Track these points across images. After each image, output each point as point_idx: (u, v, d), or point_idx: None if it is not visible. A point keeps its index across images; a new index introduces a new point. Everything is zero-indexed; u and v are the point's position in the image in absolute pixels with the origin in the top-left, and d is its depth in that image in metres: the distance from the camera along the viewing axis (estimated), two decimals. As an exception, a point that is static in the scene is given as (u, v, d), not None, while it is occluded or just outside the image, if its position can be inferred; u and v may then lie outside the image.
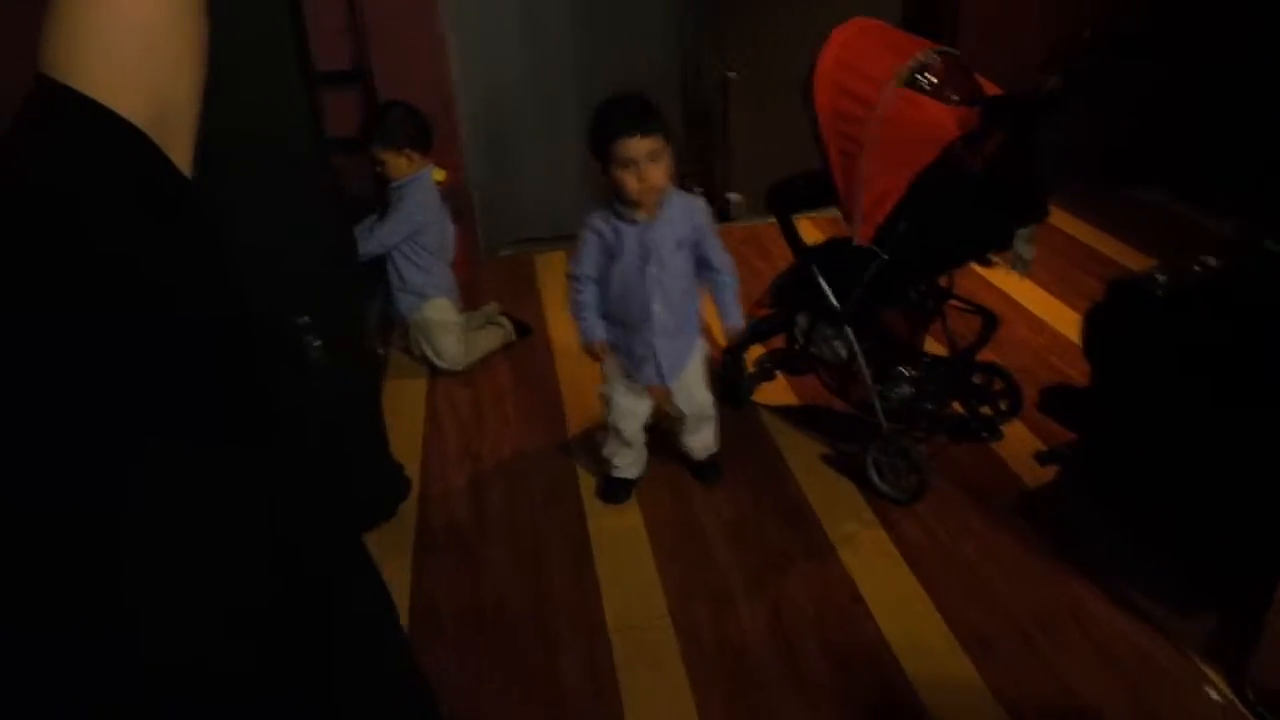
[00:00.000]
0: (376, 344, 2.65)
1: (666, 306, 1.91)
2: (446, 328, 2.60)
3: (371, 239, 2.50)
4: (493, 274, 3.26)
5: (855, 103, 1.78)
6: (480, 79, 3.21)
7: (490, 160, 3.32)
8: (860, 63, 1.80)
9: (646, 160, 1.77)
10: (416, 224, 2.52)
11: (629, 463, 2.09)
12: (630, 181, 1.79)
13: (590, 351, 2.00)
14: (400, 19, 2.95)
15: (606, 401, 2.04)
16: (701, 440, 2.11)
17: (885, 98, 1.74)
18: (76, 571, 0.46)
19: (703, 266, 1.96)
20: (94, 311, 0.47)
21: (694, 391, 2.03)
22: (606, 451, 2.09)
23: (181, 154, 0.53)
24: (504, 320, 2.76)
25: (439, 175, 2.84)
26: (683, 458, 2.16)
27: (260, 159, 1.50)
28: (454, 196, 3.03)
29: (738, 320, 2.00)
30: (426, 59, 3.04)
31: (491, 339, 2.70)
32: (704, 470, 2.14)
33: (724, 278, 1.97)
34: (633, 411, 2.02)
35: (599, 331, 1.97)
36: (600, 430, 2.13)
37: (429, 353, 2.62)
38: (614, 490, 2.10)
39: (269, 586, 0.51)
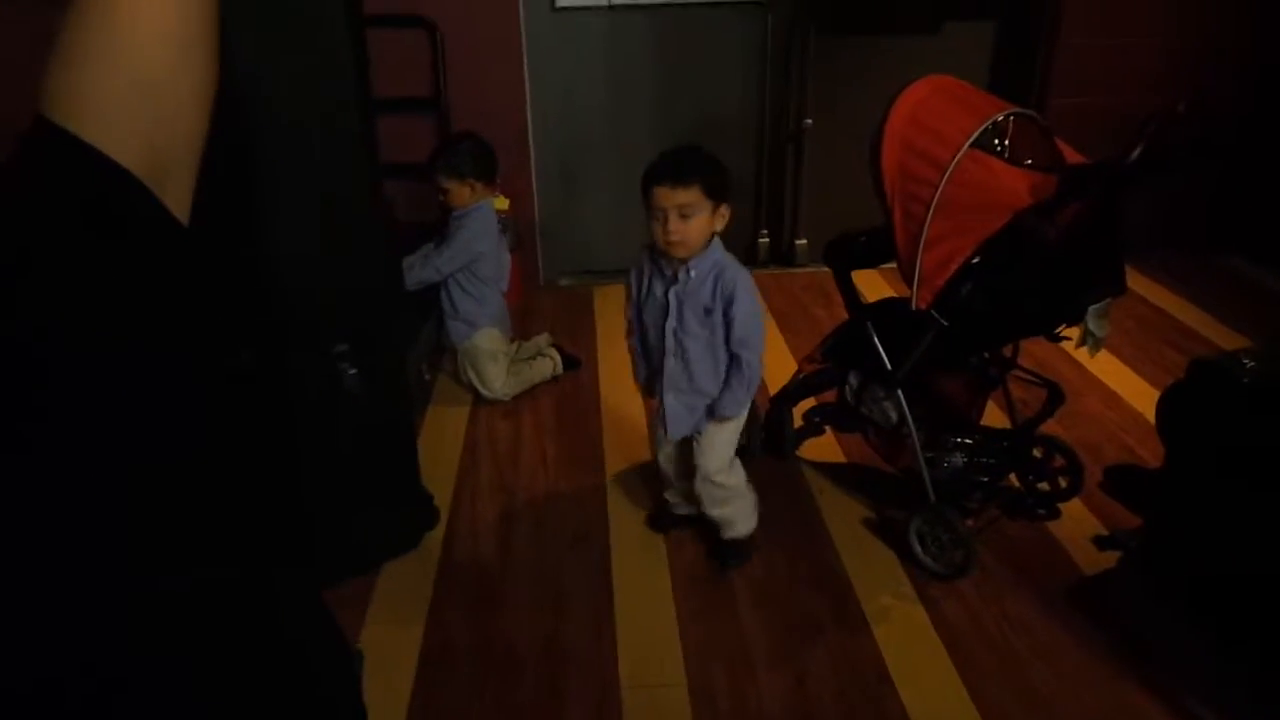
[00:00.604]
0: (423, 370, 2.67)
1: (681, 365, 1.85)
2: (494, 357, 2.61)
3: (428, 266, 2.52)
4: (550, 302, 3.27)
5: (924, 163, 1.73)
6: (556, 113, 3.25)
7: (558, 191, 3.35)
8: (933, 120, 1.74)
9: (676, 213, 1.72)
10: (474, 253, 2.54)
11: (675, 498, 2.08)
12: (657, 231, 1.75)
13: (640, 389, 2.03)
14: (482, 50, 3.02)
15: (653, 438, 2.07)
16: (718, 512, 1.96)
17: (956, 158, 1.68)
18: None
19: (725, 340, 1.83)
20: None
21: (705, 452, 1.91)
22: (664, 490, 2.12)
23: (179, 193, 0.53)
24: (553, 352, 2.75)
25: (501, 204, 2.87)
26: (710, 548, 2.06)
27: (301, 181, 1.51)
28: (517, 225, 3.06)
29: (727, 411, 1.85)
30: (504, 91, 3.10)
31: (539, 371, 2.70)
32: (722, 550, 2.01)
33: (734, 362, 1.82)
34: (664, 451, 2.02)
35: (639, 376, 1.99)
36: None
37: (475, 380, 2.63)
38: (657, 517, 2.14)
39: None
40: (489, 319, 2.61)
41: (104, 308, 0.47)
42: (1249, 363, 1.73)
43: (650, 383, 1.95)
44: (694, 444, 1.93)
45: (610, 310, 3.21)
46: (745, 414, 1.90)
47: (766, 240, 3.53)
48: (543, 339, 2.82)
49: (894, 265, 1.87)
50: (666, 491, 2.08)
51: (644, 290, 1.87)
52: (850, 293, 2.01)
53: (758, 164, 3.43)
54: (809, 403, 2.32)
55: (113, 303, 0.48)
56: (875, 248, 1.97)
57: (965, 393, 2.08)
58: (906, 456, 2.00)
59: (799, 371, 2.26)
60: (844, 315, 2.07)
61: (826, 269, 2.07)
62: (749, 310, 1.80)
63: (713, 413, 1.87)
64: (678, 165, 1.74)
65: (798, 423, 2.33)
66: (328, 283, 1.62)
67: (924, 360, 1.87)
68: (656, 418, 1.96)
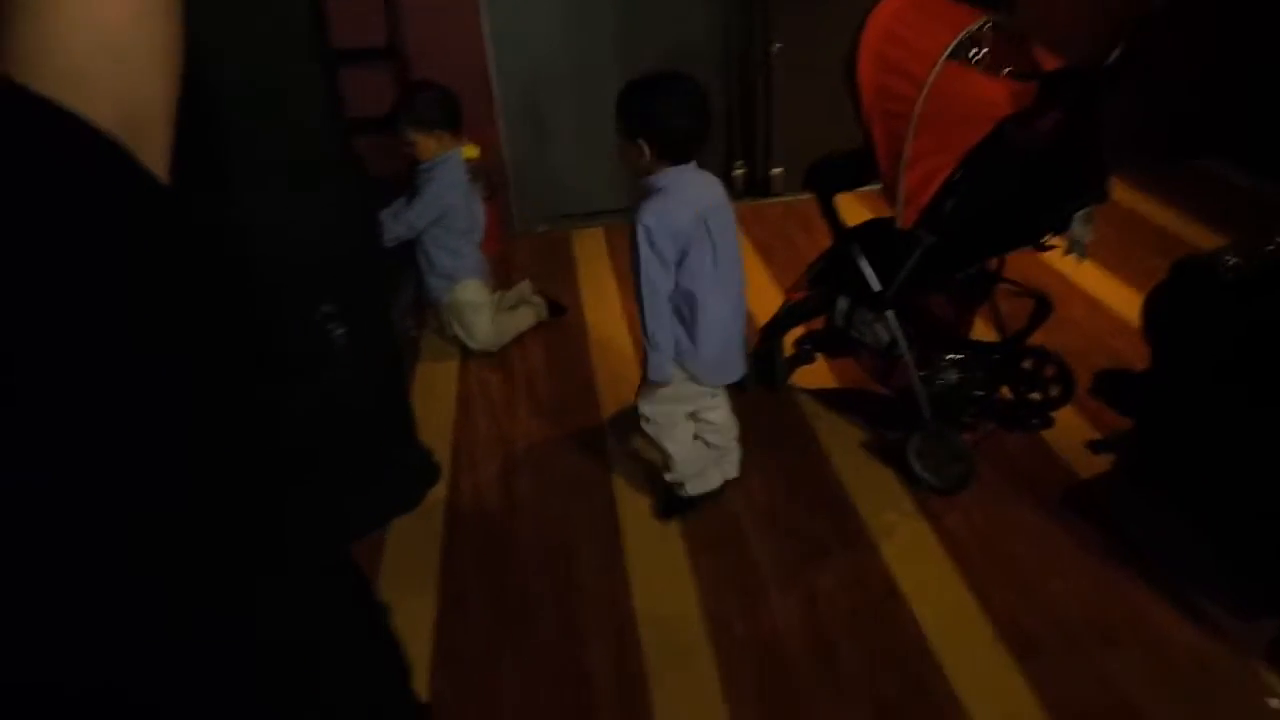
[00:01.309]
0: (409, 327, 2.65)
1: None
2: (477, 309, 2.60)
3: (399, 222, 2.48)
4: (528, 250, 3.25)
5: (901, 78, 1.71)
6: (517, 54, 3.18)
7: (527, 136, 3.30)
8: (907, 35, 1.72)
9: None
10: (444, 206, 2.49)
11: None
12: None
13: None
14: (435, -7, 2.93)
15: None
16: (652, 453, 1.98)
17: (934, 73, 1.66)
18: None
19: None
20: None
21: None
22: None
23: (155, 156, 0.51)
24: (537, 299, 2.74)
25: (471, 152, 2.81)
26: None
27: (274, 144, 1.48)
28: (487, 173, 3.01)
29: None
30: (462, 35, 3.02)
31: (523, 319, 2.69)
32: (661, 492, 2.00)
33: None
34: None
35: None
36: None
37: (461, 334, 2.62)
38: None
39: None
40: (468, 271, 2.59)
41: (90, 287, 0.45)
42: (1230, 259, 1.75)
43: None
44: None
45: (590, 254, 3.19)
46: (663, 377, 1.79)
47: (743, 171, 3.51)
48: (525, 286, 2.81)
49: (877, 187, 1.87)
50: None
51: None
52: (834, 216, 2.01)
53: (728, 93, 3.38)
54: (798, 331, 2.33)
55: (100, 281, 0.45)
56: (857, 169, 1.96)
57: (953, 309, 2.10)
58: (900, 377, 2.02)
59: (786, 301, 2.26)
60: (826, 242, 2.07)
61: (804, 197, 2.07)
62: (634, 260, 1.67)
63: None
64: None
65: (788, 352, 2.34)
66: (307, 243, 1.60)
67: (912, 279, 1.88)
68: None
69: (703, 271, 1.71)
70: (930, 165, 1.73)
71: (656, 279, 1.69)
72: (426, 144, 2.48)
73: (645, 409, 1.89)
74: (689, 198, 1.69)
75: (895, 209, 1.80)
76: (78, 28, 0.47)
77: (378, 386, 1.90)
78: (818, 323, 2.24)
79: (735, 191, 3.48)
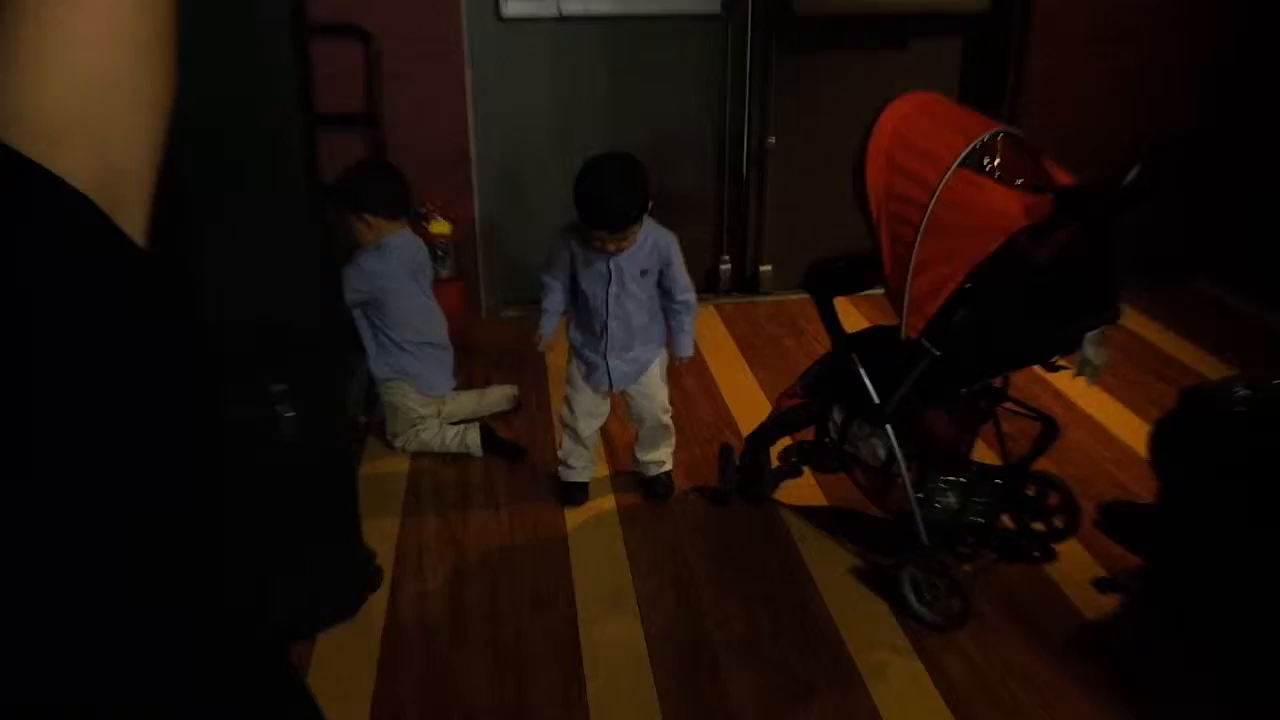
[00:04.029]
0: (359, 414, 2.60)
1: (622, 325, 2.18)
2: (395, 413, 2.53)
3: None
4: (494, 336, 3.22)
5: (911, 182, 1.74)
6: (501, 129, 3.22)
7: (503, 214, 3.31)
8: (919, 139, 1.76)
9: (615, 241, 2.09)
10: (362, 295, 2.45)
11: (583, 464, 2.35)
12: (599, 245, 2.12)
13: (538, 342, 2.29)
14: (421, 62, 2.97)
15: (568, 403, 2.31)
16: (654, 454, 2.35)
17: (945, 178, 1.69)
18: None
19: (665, 296, 2.22)
20: None
21: (652, 395, 2.28)
22: (562, 453, 2.35)
23: (133, 218, 0.50)
24: (475, 436, 2.53)
25: (440, 228, 2.80)
26: (643, 486, 2.39)
27: (243, 212, 1.45)
28: (456, 252, 2.99)
29: (688, 351, 2.26)
30: (445, 106, 3.05)
31: (446, 441, 2.53)
32: (654, 487, 2.36)
33: (682, 310, 2.22)
34: (591, 413, 2.30)
35: (549, 330, 2.27)
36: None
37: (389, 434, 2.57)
38: (569, 494, 2.35)
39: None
40: (402, 371, 2.52)
41: (54, 354, 0.44)
42: (1241, 391, 1.77)
43: (588, 349, 2.24)
44: (630, 397, 2.28)
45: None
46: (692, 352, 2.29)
47: (728, 267, 3.53)
48: (502, 395, 2.74)
49: (878, 292, 1.87)
50: (571, 459, 2.33)
51: (582, 265, 2.17)
52: (833, 322, 2.01)
53: (719, 185, 3.44)
54: (785, 442, 2.30)
55: (66, 347, 0.45)
56: (857, 273, 1.99)
57: (953, 428, 2.09)
58: (896, 498, 2.00)
59: (776, 408, 2.25)
60: (817, 346, 2.08)
61: (794, 297, 2.10)
62: (683, 264, 2.21)
63: (678, 355, 2.26)
64: (617, 216, 2.05)
65: (774, 463, 2.31)
66: (265, 316, 1.55)
67: (914, 393, 1.87)
68: (586, 378, 2.26)
69: None
70: (939, 274, 1.74)
71: None
72: (357, 228, 2.46)
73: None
74: None
75: (900, 317, 1.80)
76: (62, 80, 0.47)
77: (323, 477, 1.82)
78: (808, 434, 2.22)
79: (720, 287, 3.51)
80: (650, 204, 2.10)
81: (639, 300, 2.17)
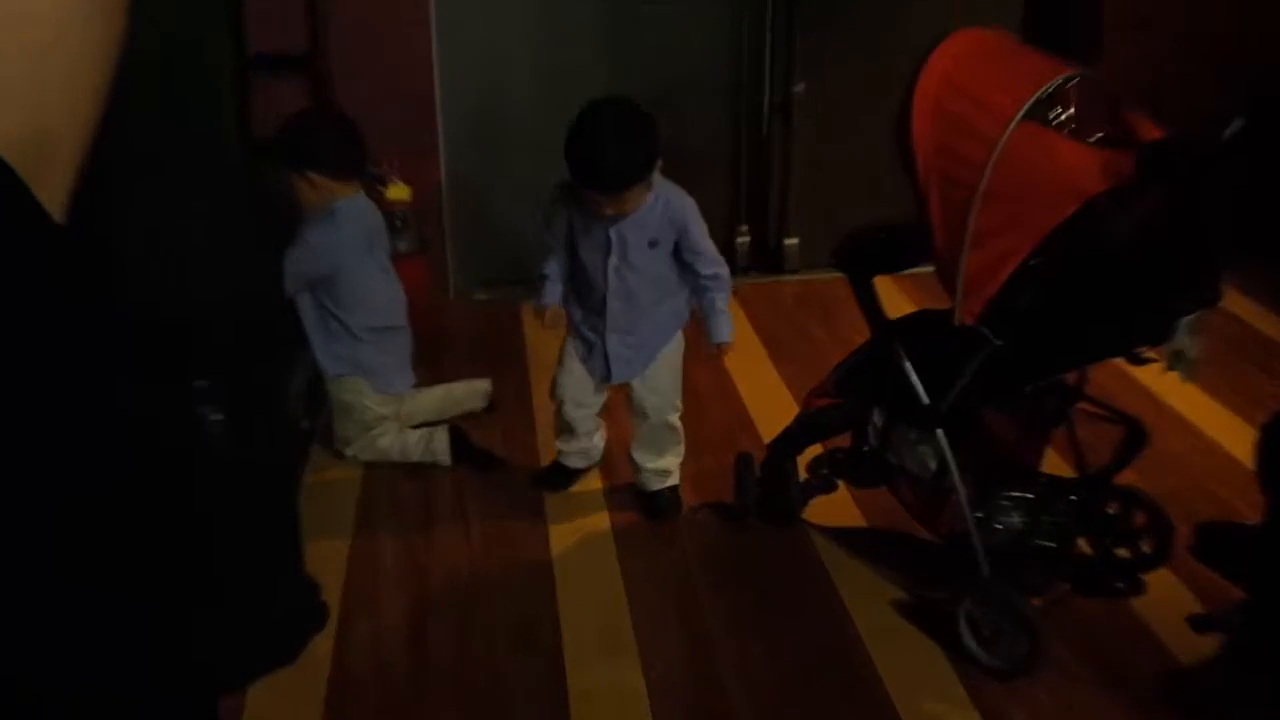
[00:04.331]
0: (301, 416, 2.62)
1: (626, 304, 2.22)
2: (350, 412, 2.55)
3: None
4: (464, 323, 3.24)
5: (966, 138, 1.76)
6: (474, 74, 3.24)
7: (476, 177, 3.34)
8: (974, 86, 1.78)
9: (613, 204, 2.11)
10: (309, 274, 2.47)
11: (574, 450, 2.44)
12: (595, 209, 2.15)
13: (540, 316, 2.34)
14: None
15: (554, 382, 2.38)
16: (658, 462, 2.37)
17: (1008, 134, 1.71)
18: None
19: (688, 271, 2.25)
20: None
21: (664, 392, 2.31)
22: (557, 438, 2.46)
23: (54, 190, 0.53)
24: (442, 438, 2.58)
25: (399, 193, 2.82)
26: (643, 501, 2.42)
27: (166, 172, 1.47)
28: (419, 222, 3.02)
29: (727, 336, 2.28)
30: (404, 47, 3.08)
31: (406, 448, 2.57)
32: (657, 503, 2.39)
33: (713, 286, 2.24)
34: (578, 400, 2.36)
35: (553, 297, 2.31)
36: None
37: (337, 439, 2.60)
38: (551, 475, 2.48)
39: None
40: (351, 365, 2.55)
41: None
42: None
43: (586, 326, 2.30)
44: (634, 390, 2.31)
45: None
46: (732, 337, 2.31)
47: (746, 239, 3.57)
48: (474, 391, 2.78)
49: (927, 270, 1.90)
50: (560, 442, 2.43)
51: (579, 229, 2.21)
52: (873, 305, 2.04)
53: (733, 140, 3.46)
54: (816, 450, 2.33)
55: None
56: (902, 246, 2.02)
57: (1020, 433, 2.12)
58: (949, 517, 2.02)
59: (804, 410, 2.28)
60: (854, 335, 2.11)
61: (827, 276, 2.12)
62: (705, 231, 2.22)
63: (714, 341, 2.28)
64: (613, 175, 2.07)
65: (803, 476, 2.33)
66: (188, 296, 1.58)
67: (971, 391, 1.90)
68: (582, 361, 2.31)
69: None
70: (1000, 247, 1.77)
71: None
72: (300, 188, 2.47)
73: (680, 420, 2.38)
74: None
75: (953, 299, 1.83)
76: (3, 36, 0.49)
77: (257, 493, 1.85)
78: (842, 440, 2.25)
79: (737, 264, 3.53)
80: (659, 161, 2.12)
81: (647, 277, 2.20)
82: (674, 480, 2.40)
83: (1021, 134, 1.73)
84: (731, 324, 2.29)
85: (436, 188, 3.22)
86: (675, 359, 2.32)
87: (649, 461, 2.37)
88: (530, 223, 3.29)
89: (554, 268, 2.29)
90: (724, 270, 2.26)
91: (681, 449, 2.41)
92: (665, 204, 2.16)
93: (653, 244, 2.17)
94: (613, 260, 2.18)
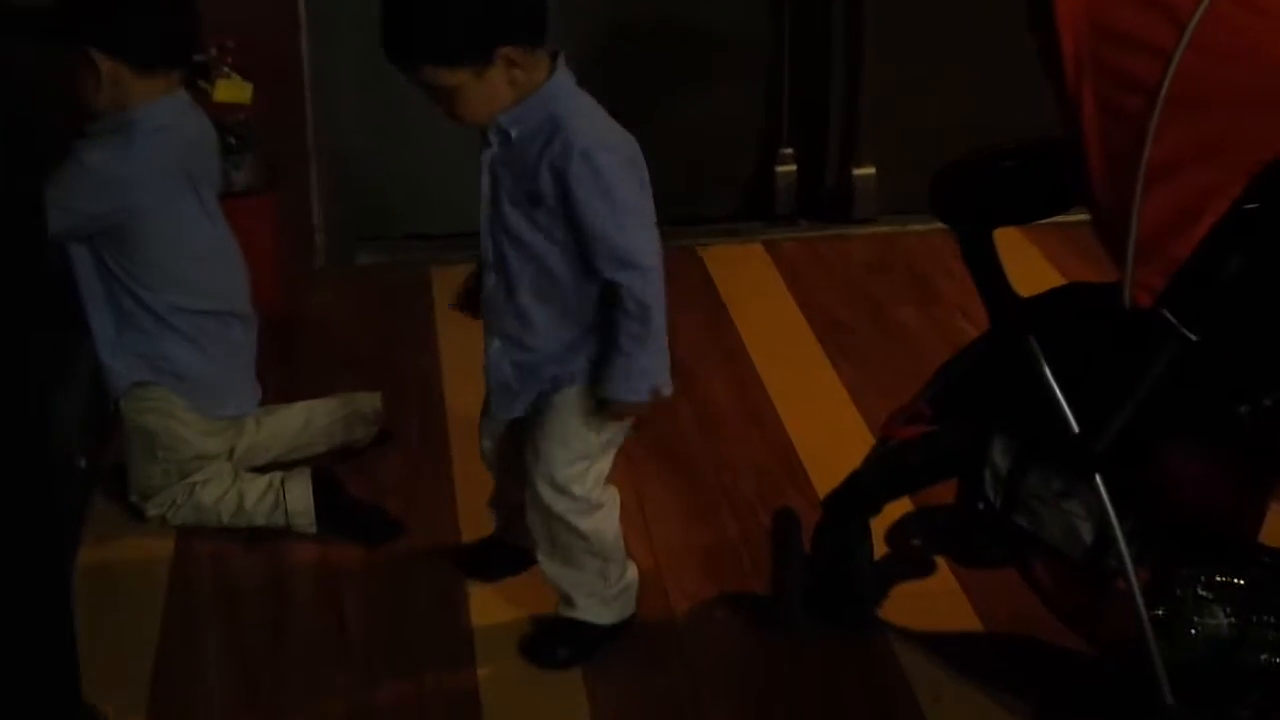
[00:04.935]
0: (77, 454, 2.66)
1: (503, 289, 2.20)
2: (151, 443, 2.59)
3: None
4: (341, 301, 3.31)
5: (1141, 15, 1.76)
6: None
7: (356, 86, 3.40)
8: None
9: (431, 94, 2.11)
10: (91, 219, 2.51)
11: (502, 516, 2.50)
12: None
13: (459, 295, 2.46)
14: None
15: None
16: (552, 569, 2.32)
17: (1203, 7, 1.70)
18: None
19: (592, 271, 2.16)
20: None
21: (548, 446, 2.22)
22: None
23: None
24: (302, 486, 2.66)
25: (233, 93, 2.81)
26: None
27: None
28: (257, 138, 3.05)
29: (621, 392, 2.17)
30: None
31: (244, 505, 2.63)
32: (551, 632, 2.37)
33: (616, 305, 2.13)
34: (486, 429, 2.39)
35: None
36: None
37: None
38: (481, 553, 2.56)
39: None
40: (156, 370, 2.59)
41: None
42: None
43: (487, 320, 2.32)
44: (532, 433, 2.26)
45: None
46: (640, 399, 2.19)
47: (792, 170, 3.60)
48: (352, 412, 2.84)
49: (1067, 219, 1.94)
50: (496, 501, 2.50)
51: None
52: (993, 275, 2.05)
53: (775, 22, 3.50)
54: (900, 507, 2.36)
55: None
56: (1036, 183, 2.03)
57: (1229, 483, 2.10)
58: (1114, 615, 2.03)
59: (882, 441, 2.30)
60: (961, 325, 2.09)
61: (914, 228, 2.13)
62: (607, 198, 2.07)
63: (598, 385, 2.18)
64: (395, 31, 2.06)
65: (880, 550, 2.36)
66: None
67: (1149, 414, 1.91)
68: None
69: None
70: (1194, 184, 1.77)
71: None
72: (89, 87, 2.51)
73: (588, 494, 2.24)
74: None
75: (1121, 268, 1.81)
76: None
77: (8, 580, 1.82)
78: (943, 492, 2.25)
79: (776, 208, 3.59)
80: (537, 32, 2.07)
81: (526, 255, 2.16)
82: (578, 614, 2.32)
83: (1220, 8, 1.73)
84: (638, 381, 2.16)
85: (298, 86, 3.26)
86: (582, 407, 2.22)
87: (547, 567, 2.32)
88: (432, 153, 3.33)
89: None
90: (639, 280, 2.12)
91: (608, 570, 2.32)
92: (556, 134, 2.08)
93: (533, 198, 2.12)
94: (484, 209, 2.19)
